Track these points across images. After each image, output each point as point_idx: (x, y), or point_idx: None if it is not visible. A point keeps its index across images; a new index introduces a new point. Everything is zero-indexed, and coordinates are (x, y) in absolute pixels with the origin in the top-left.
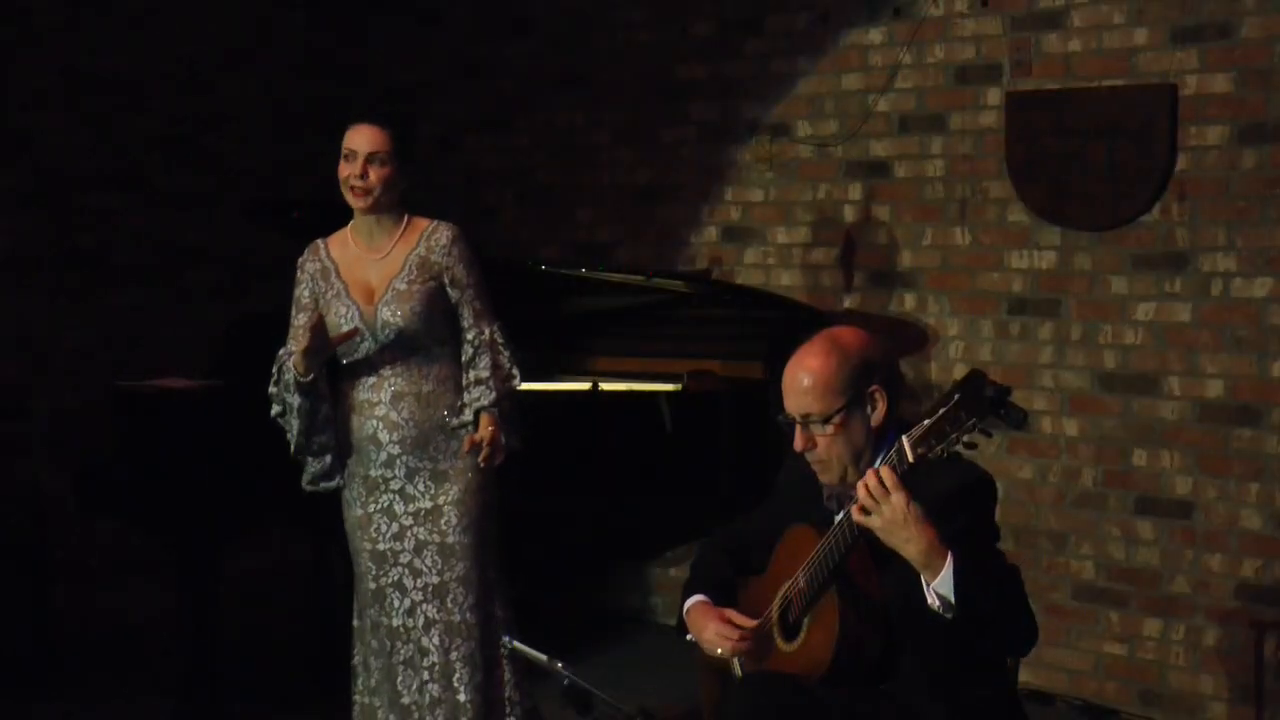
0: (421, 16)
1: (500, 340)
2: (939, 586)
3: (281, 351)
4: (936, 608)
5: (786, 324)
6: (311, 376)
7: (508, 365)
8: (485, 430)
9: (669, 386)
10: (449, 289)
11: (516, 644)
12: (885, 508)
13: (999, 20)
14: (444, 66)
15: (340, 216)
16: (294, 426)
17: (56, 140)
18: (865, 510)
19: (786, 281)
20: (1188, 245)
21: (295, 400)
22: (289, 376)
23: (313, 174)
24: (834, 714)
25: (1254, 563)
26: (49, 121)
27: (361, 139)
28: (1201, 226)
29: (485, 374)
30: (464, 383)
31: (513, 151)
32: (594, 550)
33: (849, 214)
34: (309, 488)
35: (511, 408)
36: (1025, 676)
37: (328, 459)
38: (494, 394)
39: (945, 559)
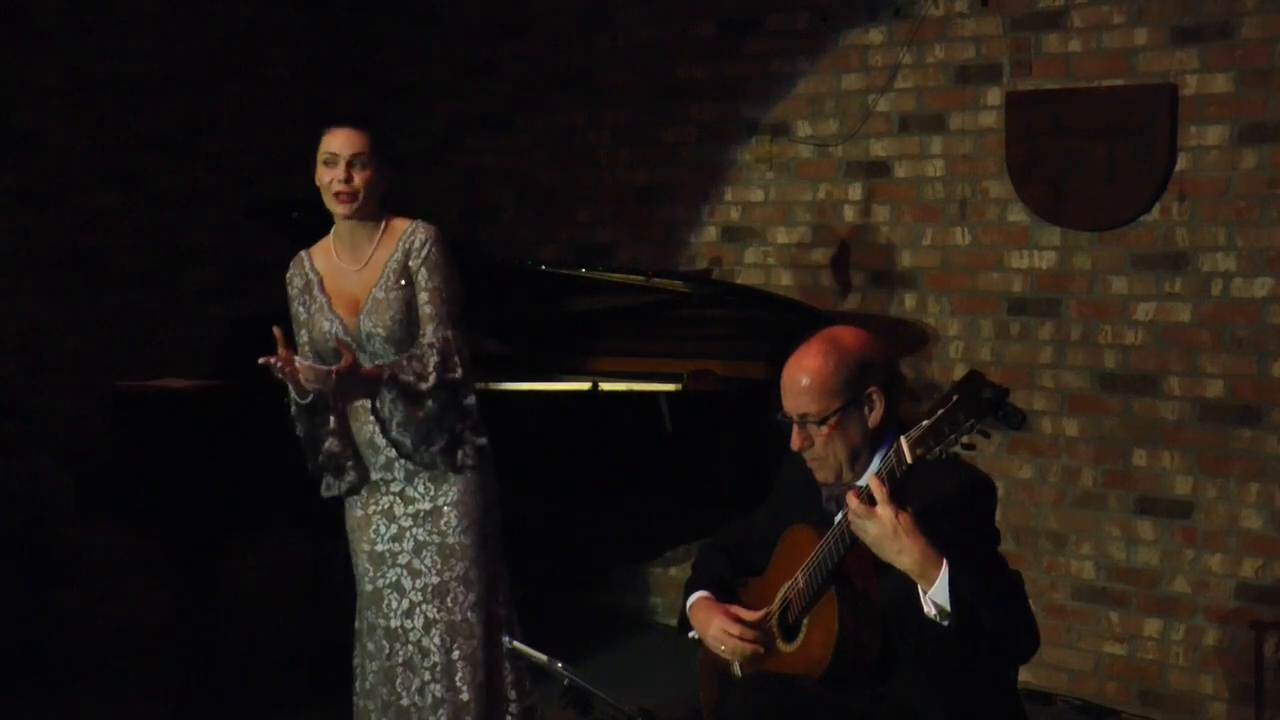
0: (421, 16)
1: (438, 346)
2: (935, 595)
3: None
4: (934, 616)
5: (787, 324)
6: (309, 399)
7: (430, 371)
8: (364, 369)
9: (669, 386)
10: (417, 289)
11: (516, 644)
12: (873, 524)
13: (999, 20)
14: (444, 66)
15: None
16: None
17: (56, 140)
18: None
19: (786, 281)
20: (1188, 245)
21: (297, 424)
22: (289, 398)
23: (312, 174)
24: (833, 714)
25: (1254, 563)
26: (49, 121)
27: (341, 142)
28: (1201, 226)
29: (404, 360)
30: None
31: (513, 151)
32: (594, 550)
33: (849, 214)
34: (326, 494)
35: (406, 407)
36: (1025, 676)
37: (345, 473)
38: (393, 367)
39: (940, 567)
